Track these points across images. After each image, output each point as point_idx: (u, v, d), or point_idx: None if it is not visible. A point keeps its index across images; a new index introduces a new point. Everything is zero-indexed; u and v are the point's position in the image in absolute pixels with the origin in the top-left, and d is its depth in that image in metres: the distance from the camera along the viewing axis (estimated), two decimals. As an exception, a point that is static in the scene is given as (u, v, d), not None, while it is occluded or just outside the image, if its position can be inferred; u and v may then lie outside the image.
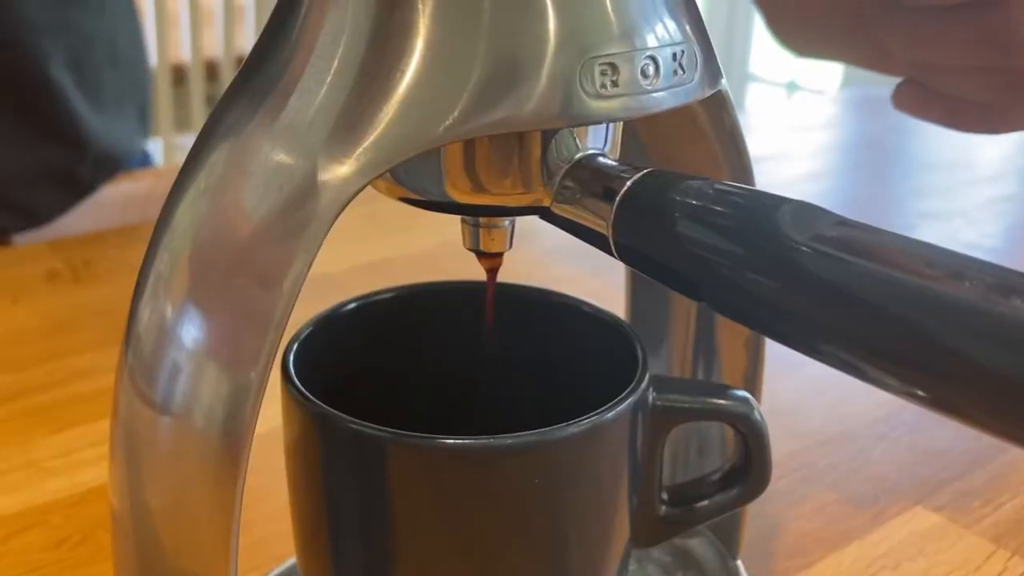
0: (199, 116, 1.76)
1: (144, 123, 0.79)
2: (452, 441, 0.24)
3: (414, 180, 0.25)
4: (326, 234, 0.21)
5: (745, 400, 0.29)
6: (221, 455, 0.23)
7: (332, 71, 0.22)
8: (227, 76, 1.78)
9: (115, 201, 0.74)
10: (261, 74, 0.23)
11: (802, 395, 0.50)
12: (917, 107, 0.39)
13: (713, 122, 0.29)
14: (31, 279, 0.61)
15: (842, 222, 0.20)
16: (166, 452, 0.24)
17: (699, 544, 0.36)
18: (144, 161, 0.82)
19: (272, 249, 0.22)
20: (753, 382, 0.34)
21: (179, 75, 1.72)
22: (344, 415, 0.25)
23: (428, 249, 0.64)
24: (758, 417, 0.29)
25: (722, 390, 0.30)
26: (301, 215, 0.21)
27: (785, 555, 0.40)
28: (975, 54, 0.35)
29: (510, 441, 0.24)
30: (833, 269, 0.19)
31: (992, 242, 0.73)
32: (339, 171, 0.21)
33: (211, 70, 1.77)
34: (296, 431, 0.27)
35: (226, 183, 0.23)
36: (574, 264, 0.62)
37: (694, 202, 0.21)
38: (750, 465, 0.30)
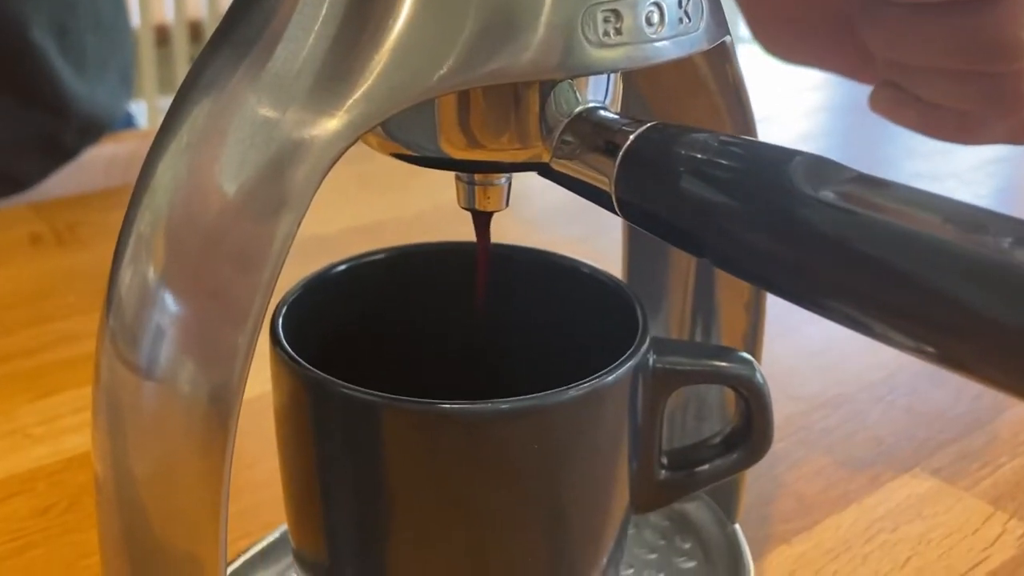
0: (183, 77, 1.74)
1: (127, 86, 0.77)
2: (447, 406, 0.24)
3: (407, 135, 0.24)
4: (315, 191, 0.20)
5: (747, 362, 0.29)
6: (208, 422, 0.22)
7: (319, 19, 0.21)
8: (211, 37, 1.75)
9: (98, 163, 0.73)
10: (243, 24, 0.22)
11: (799, 358, 0.50)
12: (893, 110, 0.38)
13: (716, 75, 0.28)
14: (14, 243, 0.60)
15: (858, 176, 0.19)
16: (150, 419, 0.23)
17: (697, 508, 0.36)
18: (127, 123, 0.81)
19: (259, 209, 0.21)
20: (753, 344, 0.33)
21: (162, 36, 1.69)
22: (335, 379, 0.24)
23: (422, 211, 0.63)
24: (760, 379, 0.29)
25: (723, 352, 0.29)
26: (289, 172, 0.20)
27: (783, 518, 0.39)
28: (957, 57, 0.33)
29: (507, 405, 0.24)
30: (849, 225, 0.18)
31: (985, 203, 0.72)
32: (328, 125, 0.20)
33: (195, 31, 1.75)
34: (286, 396, 0.26)
35: (208, 139, 0.21)
36: (568, 227, 0.61)
37: (701, 156, 0.20)
38: (751, 428, 0.29)
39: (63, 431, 0.43)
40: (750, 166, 0.20)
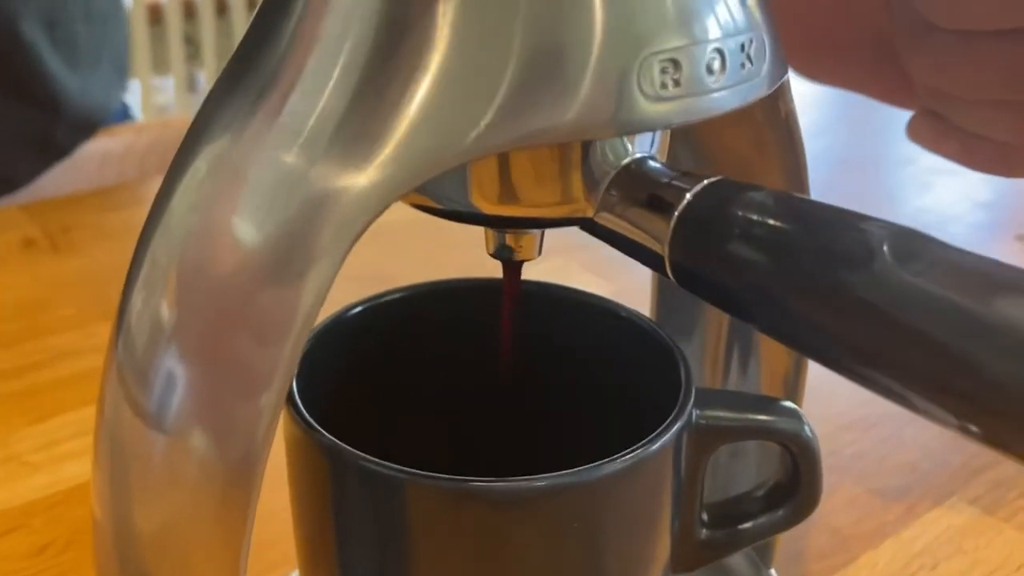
0: (177, 57, 1.71)
1: (122, 76, 0.74)
2: (477, 483, 0.22)
3: (434, 186, 0.22)
4: (341, 264, 0.18)
5: (794, 415, 0.27)
6: (226, 488, 0.20)
7: (339, 66, 0.19)
8: (205, 15, 1.72)
9: (92, 159, 0.70)
10: (253, 71, 0.19)
11: (825, 375, 0.48)
12: (933, 140, 0.36)
13: (765, 107, 0.25)
14: (6, 248, 0.58)
15: (951, 252, 0.17)
16: (158, 473, 0.21)
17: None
18: (123, 115, 0.78)
19: (283, 271, 0.18)
20: (796, 383, 0.31)
21: (155, 15, 1.66)
22: (356, 451, 0.22)
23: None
24: (808, 434, 0.27)
25: (768, 404, 0.27)
26: (312, 242, 0.18)
27: (817, 555, 0.37)
28: (1007, 88, 0.31)
29: (543, 483, 0.22)
30: (946, 313, 0.16)
31: (1007, 201, 0.70)
32: (351, 191, 0.18)
33: (188, 9, 1.71)
34: (300, 460, 0.24)
35: (226, 180, 0.19)
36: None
37: (773, 222, 0.18)
38: (799, 484, 0.27)
39: (62, 458, 0.41)
40: (832, 237, 0.17)
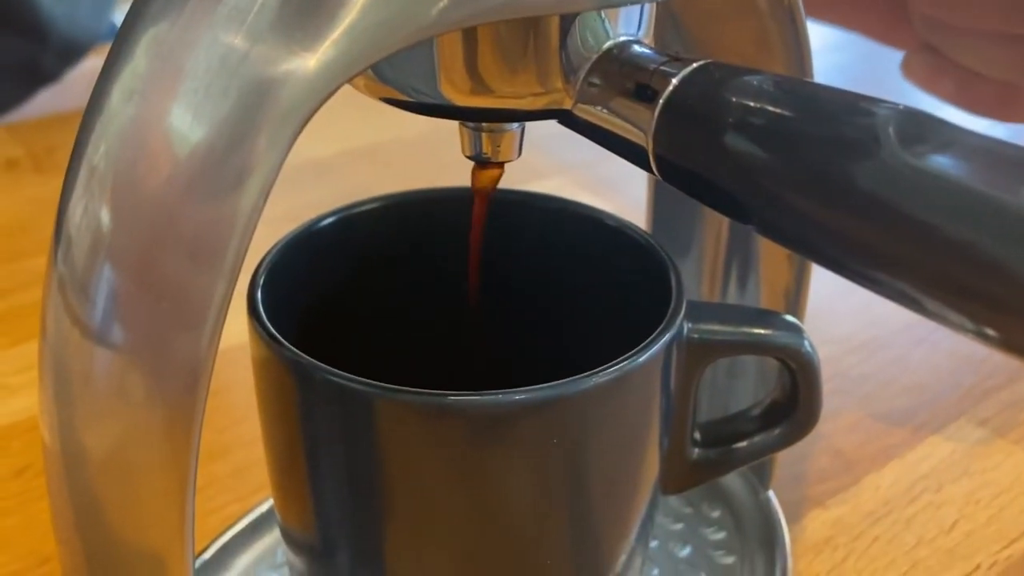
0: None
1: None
2: (453, 398, 0.20)
3: (400, 77, 0.20)
4: (289, 149, 0.17)
5: (794, 329, 0.25)
6: (170, 405, 0.19)
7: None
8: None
9: (79, 81, 0.68)
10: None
11: (831, 296, 0.46)
12: (929, 79, 0.34)
13: (766, -6, 0.23)
14: (-12, 169, 0.56)
15: (964, 134, 0.15)
16: (102, 389, 0.19)
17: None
18: (111, 34, 0.76)
19: (227, 160, 0.17)
20: (797, 299, 0.30)
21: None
22: (323, 364, 0.21)
23: (424, 132, 0.59)
24: (808, 349, 0.25)
25: (766, 317, 0.26)
26: (255, 128, 0.16)
27: (818, 478, 0.36)
28: (1011, 18, 0.29)
29: (522, 396, 0.20)
30: (959, 199, 0.14)
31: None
32: (300, 71, 0.16)
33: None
34: (267, 376, 0.23)
35: (157, 85, 0.17)
36: (574, 150, 0.56)
37: (767, 107, 0.16)
38: (796, 402, 0.26)
39: (41, 381, 0.40)
40: (831, 120, 0.16)
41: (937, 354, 0.42)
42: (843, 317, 0.45)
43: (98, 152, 0.18)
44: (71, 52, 0.66)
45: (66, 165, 0.19)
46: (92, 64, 0.71)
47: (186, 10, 0.17)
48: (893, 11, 0.34)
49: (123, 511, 0.20)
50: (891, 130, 0.15)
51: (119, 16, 0.82)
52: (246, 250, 0.17)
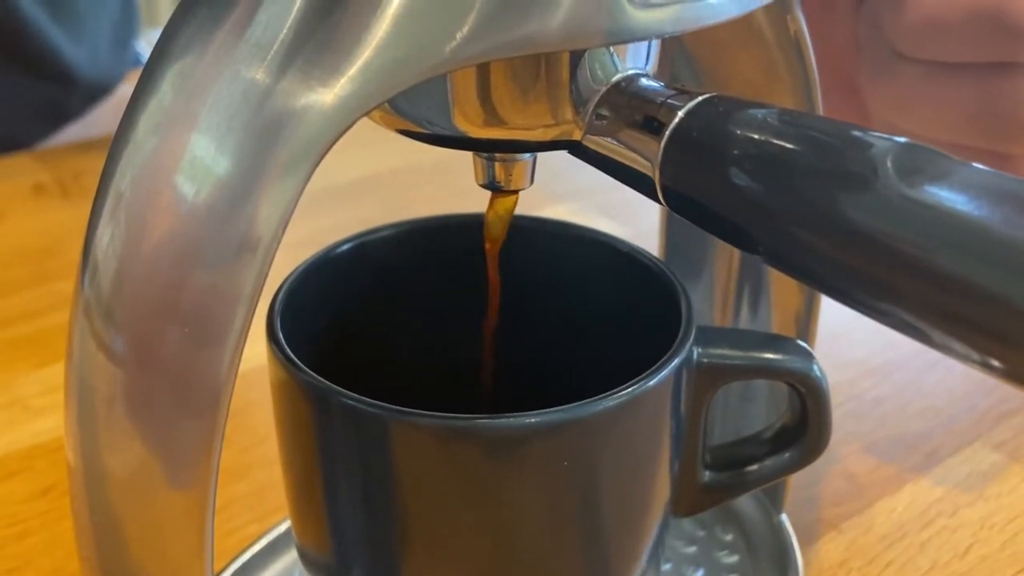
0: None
1: (130, 32, 0.74)
2: (466, 421, 0.21)
3: (415, 109, 0.20)
4: (308, 179, 0.17)
5: (803, 353, 0.25)
6: (190, 428, 0.19)
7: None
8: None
9: (105, 107, 0.70)
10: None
11: (844, 319, 0.46)
12: None
13: (773, 23, 0.24)
14: (15, 194, 0.57)
15: (962, 168, 0.16)
16: (124, 412, 0.20)
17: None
18: (136, 61, 0.77)
19: (248, 190, 0.17)
20: (807, 322, 0.30)
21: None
22: (339, 388, 0.21)
23: (440, 160, 0.59)
24: (818, 373, 0.25)
25: (776, 342, 0.26)
26: (275, 159, 0.17)
27: (832, 501, 0.36)
28: (969, 130, 0.29)
29: (534, 419, 0.21)
30: (955, 232, 0.15)
31: None
32: (319, 105, 0.17)
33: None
34: (285, 398, 0.23)
35: (182, 117, 0.18)
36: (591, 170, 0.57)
37: (770, 139, 0.17)
38: (806, 426, 0.26)
39: (66, 403, 0.41)
40: (831, 153, 0.16)
41: (952, 377, 0.43)
42: (858, 341, 0.45)
43: (124, 180, 0.19)
44: (95, 92, 0.69)
45: (92, 190, 0.20)
46: (118, 90, 0.72)
47: (211, 45, 0.18)
48: (859, 116, 0.33)
49: (143, 531, 0.21)
50: (889, 162, 0.16)
51: (143, 45, 0.84)
52: (266, 276, 0.17)
